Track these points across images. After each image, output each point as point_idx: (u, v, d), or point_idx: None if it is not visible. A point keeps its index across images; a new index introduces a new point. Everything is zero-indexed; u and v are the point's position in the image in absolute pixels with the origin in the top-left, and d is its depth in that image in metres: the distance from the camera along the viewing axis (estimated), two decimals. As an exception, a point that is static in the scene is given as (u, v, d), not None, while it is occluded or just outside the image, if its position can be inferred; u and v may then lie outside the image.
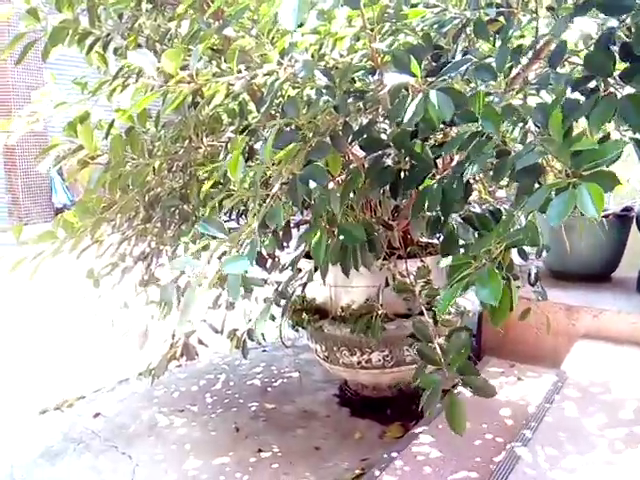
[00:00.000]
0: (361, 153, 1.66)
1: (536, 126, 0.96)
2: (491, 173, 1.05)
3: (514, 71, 1.05)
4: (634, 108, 0.96)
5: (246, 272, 1.11)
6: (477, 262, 0.94)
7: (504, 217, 1.04)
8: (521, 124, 1.05)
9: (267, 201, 1.14)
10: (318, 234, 1.27)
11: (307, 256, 2.11)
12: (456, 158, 1.15)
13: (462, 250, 1.31)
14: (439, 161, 1.29)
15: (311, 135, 1.22)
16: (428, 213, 1.28)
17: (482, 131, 1.01)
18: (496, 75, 1.04)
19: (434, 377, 1.51)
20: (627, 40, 1.05)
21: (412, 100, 1.03)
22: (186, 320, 1.04)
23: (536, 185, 0.97)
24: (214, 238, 1.12)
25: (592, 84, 1.08)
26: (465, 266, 0.94)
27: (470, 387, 1.51)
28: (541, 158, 0.90)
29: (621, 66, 1.06)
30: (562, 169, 0.86)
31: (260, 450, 2.08)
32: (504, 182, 1.19)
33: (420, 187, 1.21)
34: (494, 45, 1.32)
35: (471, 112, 1.01)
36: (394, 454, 1.81)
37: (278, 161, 1.17)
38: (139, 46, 1.87)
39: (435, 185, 1.14)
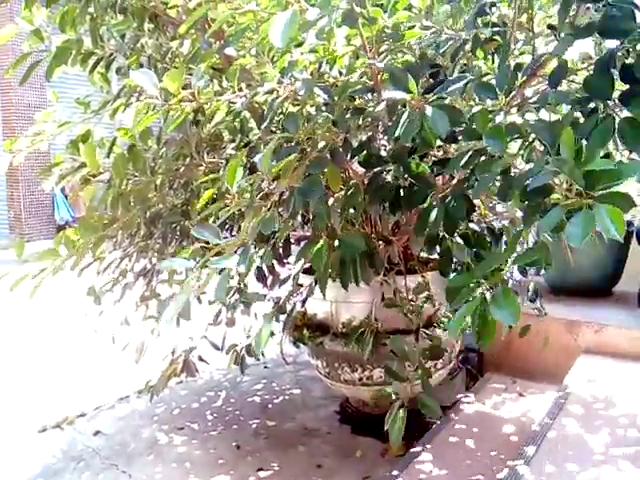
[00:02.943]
0: (361, 170, 1.67)
1: (542, 144, 0.97)
2: (497, 192, 1.05)
3: (514, 92, 1.07)
4: (632, 132, 0.97)
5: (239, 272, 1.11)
6: (489, 282, 0.93)
7: (512, 236, 1.05)
8: (525, 142, 1.06)
9: (263, 210, 1.15)
10: (318, 245, 1.28)
11: (306, 272, 2.12)
12: (456, 175, 1.16)
13: (458, 268, 1.32)
14: (439, 178, 1.30)
15: (310, 150, 1.23)
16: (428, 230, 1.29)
17: (484, 149, 1.02)
18: (497, 93, 1.05)
19: (388, 394, 1.54)
20: (627, 62, 1.07)
21: (408, 116, 1.04)
22: (169, 319, 1.04)
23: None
24: (208, 244, 1.12)
25: (592, 104, 1.10)
26: (473, 286, 0.94)
27: (420, 404, 1.55)
28: (552, 178, 0.90)
29: (621, 87, 1.08)
30: (573, 189, 0.87)
31: (261, 468, 2.06)
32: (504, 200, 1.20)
33: (421, 204, 1.22)
34: (492, 63, 1.33)
35: (474, 130, 1.02)
36: (395, 472, 1.80)
37: (277, 175, 1.18)
38: (141, 65, 1.90)
39: (438, 205, 1.15)
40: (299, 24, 0.97)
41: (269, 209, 1.15)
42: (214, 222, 1.42)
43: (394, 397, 1.47)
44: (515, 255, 0.97)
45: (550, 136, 0.93)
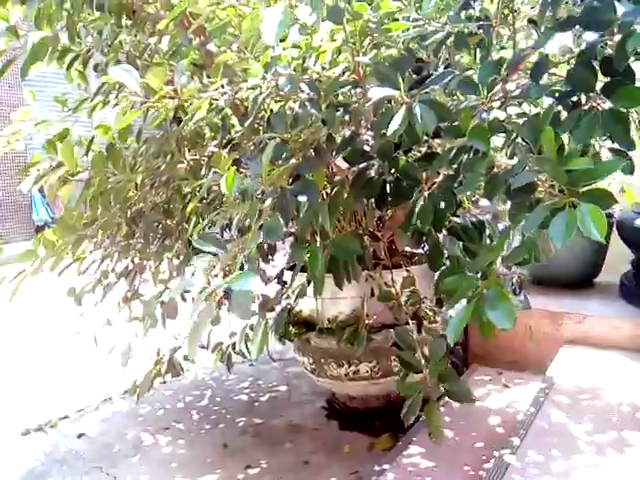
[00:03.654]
0: (344, 166, 1.67)
1: (524, 141, 0.97)
2: (483, 190, 1.05)
3: (496, 87, 1.07)
4: (616, 124, 0.98)
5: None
6: (485, 284, 0.93)
7: (501, 234, 1.05)
8: (509, 138, 1.06)
9: (262, 216, 1.13)
10: (313, 251, 1.26)
11: (291, 268, 2.11)
12: (442, 171, 1.16)
13: (448, 262, 1.32)
14: (424, 173, 1.30)
15: (298, 149, 1.22)
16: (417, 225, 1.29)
17: (469, 145, 1.02)
18: (479, 89, 1.05)
19: (415, 385, 1.53)
20: (607, 55, 1.07)
21: (396, 113, 1.03)
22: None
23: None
24: (208, 254, 1.10)
25: (574, 97, 1.10)
26: (466, 285, 0.94)
27: (450, 395, 1.53)
28: (535, 177, 0.91)
29: (603, 80, 1.08)
30: (556, 186, 0.88)
31: (249, 466, 2.05)
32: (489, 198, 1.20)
33: (408, 200, 1.21)
34: (475, 57, 1.34)
35: (457, 127, 1.02)
36: (385, 466, 1.80)
37: (269, 175, 1.17)
38: (119, 62, 1.86)
39: (425, 201, 1.14)
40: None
41: (270, 215, 1.14)
42: (198, 221, 1.40)
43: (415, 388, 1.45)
44: (504, 253, 0.97)
45: (532, 133, 0.93)
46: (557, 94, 1.07)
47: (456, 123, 1.05)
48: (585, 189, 0.85)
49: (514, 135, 1.01)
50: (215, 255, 1.14)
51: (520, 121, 1.04)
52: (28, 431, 2.42)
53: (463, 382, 1.50)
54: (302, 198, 1.20)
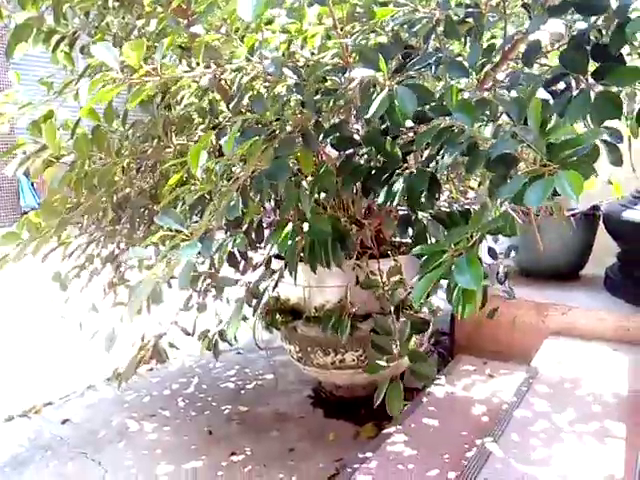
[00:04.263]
0: (334, 153, 1.66)
1: (510, 119, 0.96)
2: (464, 165, 1.05)
3: (485, 69, 1.06)
4: (609, 104, 0.98)
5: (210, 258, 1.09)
6: (456, 249, 0.93)
7: (479, 209, 1.05)
8: (492, 119, 1.06)
9: (230, 194, 1.12)
10: (286, 230, 1.26)
11: (279, 256, 2.10)
12: (425, 154, 1.15)
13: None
14: (410, 158, 1.29)
15: (278, 132, 1.21)
16: (400, 212, 1.28)
17: (453, 126, 1.02)
18: (468, 72, 1.04)
19: (379, 366, 1.55)
20: (598, 41, 1.07)
21: (377, 95, 1.03)
22: (135, 308, 1.02)
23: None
24: (172, 231, 1.10)
25: (561, 85, 1.10)
26: (440, 254, 0.94)
27: (414, 374, 1.55)
28: (516, 148, 0.90)
29: (592, 66, 1.08)
30: (537, 159, 0.87)
31: (233, 453, 2.06)
32: (476, 177, 1.20)
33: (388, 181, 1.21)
34: (465, 45, 1.33)
35: (443, 106, 1.01)
36: (368, 454, 1.81)
37: (244, 157, 1.16)
38: (106, 44, 1.83)
39: (400, 179, 1.14)
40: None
41: (236, 193, 1.13)
42: (182, 206, 1.39)
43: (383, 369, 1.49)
44: (475, 225, 0.97)
45: (518, 109, 0.93)
46: (547, 79, 1.07)
47: (443, 103, 1.04)
48: (565, 160, 0.85)
49: (499, 112, 1.01)
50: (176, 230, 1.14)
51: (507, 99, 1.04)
52: (11, 417, 2.41)
53: (429, 364, 1.53)
54: (276, 180, 1.19)
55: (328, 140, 1.47)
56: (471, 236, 0.95)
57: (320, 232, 1.31)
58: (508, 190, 0.88)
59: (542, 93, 1.04)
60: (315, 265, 1.43)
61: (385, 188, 1.17)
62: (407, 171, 1.16)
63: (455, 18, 1.30)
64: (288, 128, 1.22)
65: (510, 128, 0.91)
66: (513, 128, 0.90)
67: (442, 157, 1.03)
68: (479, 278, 0.88)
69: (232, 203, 1.09)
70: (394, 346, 1.60)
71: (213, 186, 1.13)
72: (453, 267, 0.90)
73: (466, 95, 1.01)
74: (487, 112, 1.02)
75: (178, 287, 1.06)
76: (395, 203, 1.16)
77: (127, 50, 0.99)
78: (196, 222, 1.67)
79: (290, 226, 1.29)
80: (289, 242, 1.25)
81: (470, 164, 1.02)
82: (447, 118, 1.03)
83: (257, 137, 1.11)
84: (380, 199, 1.16)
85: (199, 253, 1.05)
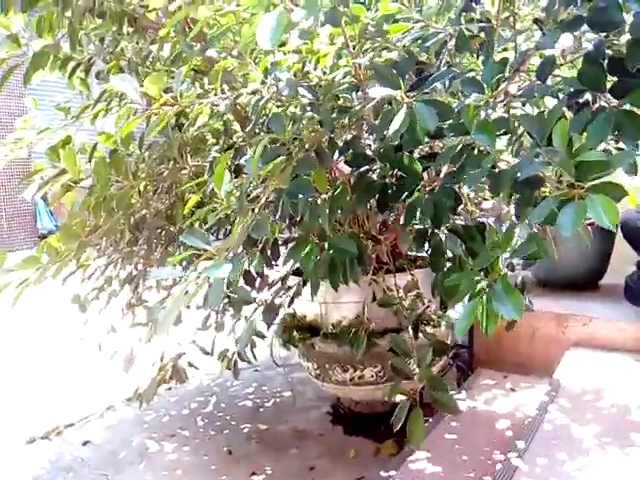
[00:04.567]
0: (347, 169, 1.66)
1: (531, 137, 0.96)
2: (488, 186, 1.04)
3: (501, 86, 1.07)
4: (631, 124, 0.97)
5: (230, 278, 1.09)
6: (489, 277, 0.93)
7: (506, 230, 1.04)
8: (513, 136, 1.05)
9: (253, 213, 1.13)
10: (308, 247, 1.26)
11: (295, 273, 2.10)
12: (444, 169, 1.16)
13: (449, 263, 1.32)
14: (425, 173, 1.29)
15: (296, 150, 1.22)
16: (416, 226, 1.28)
17: (472, 144, 1.02)
18: (483, 88, 1.04)
19: (396, 390, 1.53)
20: (614, 56, 1.07)
21: (396, 113, 1.03)
22: (166, 329, 1.02)
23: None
24: (198, 250, 1.10)
25: (581, 98, 1.09)
26: (474, 282, 0.93)
27: (436, 403, 1.53)
28: (543, 170, 0.89)
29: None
30: (564, 181, 0.87)
31: (254, 473, 2.04)
32: (495, 194, 1.20)
33: (408, 200, 1.21)
34: (477, 59, 1.33)
35: (461, 124, 1.01)
36: (391, 472, 1.79)
37: (264, 177, 1.17)
38: (121, 69, 1.87)
39: (426, 197, 1.14)
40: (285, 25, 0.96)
41: (258, 212, 1.13)
42: (201, 226, 1.40)
43: (404, 394, 1.46)
44: (510, 248, 0.96)
45: (540, 129, 0.93)
46: (565, 94, 1.07)
47: (459, 121, 1.04)
48: (594, 182, 0.84)
49: (519, 132, 1.00)
50: (203, 250, 1.14)
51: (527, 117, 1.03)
52: (33, 439, 2.42)
53: (450, 395, 1.51)
54: (297, 199, 1.20)
55: (341, 156, 1.48)
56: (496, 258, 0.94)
57: (343, 251, 1.31)
58: (538, 214, 0.87)
59: (563, 105, 1.03)
60: (336, 282, 1.43)
61: (406, 206, 1.17)
62: (427, 188, 1.16)
63: (467, 33, 1.32)
64: (305, 147, 1.23)
65: (533, 148, 0.91)
66: (537, 149, 0.90)
67: (460, 174, 1.03)
68: (520, 307, 0.87)
69: (257, 222, 1.09)
70: (414, 367, 1.57)
71: (238, 206, 1.14)
72: (491, 296, 0.90)
73: (483, 114, 1.01)
74: (505, 130, 1.02)
75: (206, 305, 1.05)
76: (419, 221, 1.16)
77: (148, 85, 1.02)
78: (214, 240, 1.68)
79: (310, 244, 1.29)
80: (312, 261, 1.25)
81: (495, 186, 1.01)
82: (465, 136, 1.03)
83: (279, 157, 1.12)
84: (403, 220, 1.16)
85: (230, 272, 1.05)
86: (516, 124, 1.05)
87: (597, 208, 0.79)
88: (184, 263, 1.90)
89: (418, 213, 1.16)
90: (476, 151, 1.01)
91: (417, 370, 1.63)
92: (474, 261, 0.99)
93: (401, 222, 1.75)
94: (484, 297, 0.92)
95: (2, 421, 2.63)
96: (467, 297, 0.96)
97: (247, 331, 1.44)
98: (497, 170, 0.99)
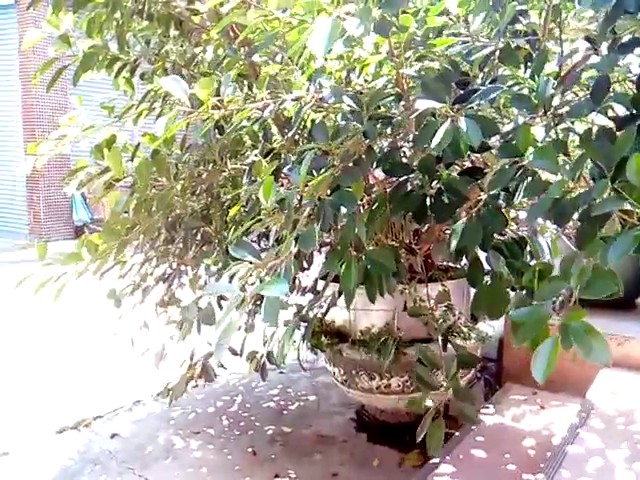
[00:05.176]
0: (381, 176, 1.66)
1: (597, 166, 0.93)
2: (552, 216, 1.01)
3: (555, 101, 1.04)
4: None
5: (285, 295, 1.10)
6: (564, 320, 0.90)
7: (564, 262, 1.00)
8: (572, 159, 1.02)
9: (297, 226, 1.14)
10: (347, 262, 1.26)
11: (324, 278, 2.10)
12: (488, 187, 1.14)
13: (488, 278, 1.30)
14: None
15: (339, 161, 1.22)
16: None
17: (524, 166, 1.00)
18: (533, 104, 1.03)
19: (418, 401, 1.52)
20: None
21: (440, 126, 1.02)
22: (224, 348, 1.03)
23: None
24: (244, 262, 1.11)
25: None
26: (542, 320, 0.91)
27: (462, 414, 1.51)
28: (621, 206, 0.87)
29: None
30: (634, 214, 0.84)
31: (277, 475, 2.05)
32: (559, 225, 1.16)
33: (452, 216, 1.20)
34: (525, 71, 1.31)
35: (514, 146, 0.99)
36: (415, 483, 1.78)
37: (306, 186, 1.18)
38: (165, 71, 1.91)
39: (474, 218, 1.12)
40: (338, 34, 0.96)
41: (304, 224, 1.14)
42: (237, 231, 1.41)
43: (427, 406, 1.45)
44: (576, 282, 0.92)
45: (606, 157, 0.90)
46: (616, 117, 1.04)
47: (508, 140, 1.02)
48: None
49: (582, 158, 0.97)
50: (252, 263, 1.15)
51: (575, 138, 1.01)
52: (63, 429, 2.48)
53: (474, 407, 1.50)
54: (342, 210, 1.20)
55: (379, 165, 1.47)
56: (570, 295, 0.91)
57: (382, 267, 1.31)
58: (617, 253, 0.85)
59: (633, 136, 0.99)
60: (373, 294, 1.43)
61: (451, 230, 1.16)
62: (474, 208, 1.15)
63: (512, 45, 1.30)
64: (349, 157, 1.23)
65: (606, 182, 0.87)
66: (606, 181, 0.87)
67: (507, 193, 1.02)
68: (607, 351, 0.85)
69: (304, 235, 1.10)
70: (441, 378, 1.56)
71: (285, 220, 1.15)
72: (571, 339, 0.87)
73: (538, 134, 0.99)
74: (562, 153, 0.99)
75: (264, 323, 1.05)
76: (468, 242, 1.15)
77: (199, 89, 1.04)
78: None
79: (349, 258, 1.29)
80: (353, 274, 1.25)
81: (558, 216, 0.98)
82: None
83: (326, 168, 1.13)
84: (453, 244, 1.14)
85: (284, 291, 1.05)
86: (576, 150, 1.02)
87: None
88: (219, 264, 1.92)
89: (461, 236, 1.14)
90: (531, 174, 0.98)
91: (444, 381, 1.62)
92: (536, 294, 0.97)
93: (435, 235, 1.74)
94: (557, 338, 0.89)
95: (34, 410, 2.70)
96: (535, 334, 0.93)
97: (286, 337, 1.45)
98: (560, 199, 0.95)
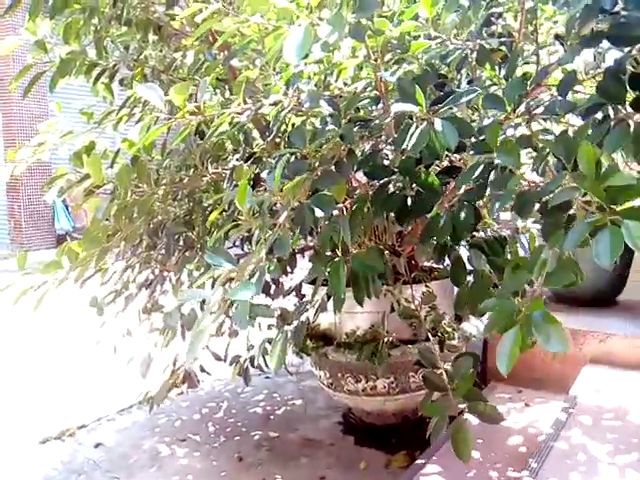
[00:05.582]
0: (364, 179, 1.67)
1: (557, 159, 0.95)
2: (513, 208, 1.03)
3: (522, 100, 1.06)
4: None
5: (252, 299, 1.10)
6: (529, 308, 0.91)
7: (534, 252, 1.02)
8: (538, 155, 1.05)
9: (274, 229, 1.14)
10: (335, 266, 1.26)
11: (312, 283, 2.10)
12: (464, 185, 1.16)
13: (471, 277, 1.31)
14: (443, 187, 1.29)
15: (317, 164, 1.23)
16: (435, 241, 1.28)
17: (494, 162, 1.01)
18: (505, 105, 1.04)
19: (440, 405, 1.50)
20: (635, 69, 1.06)
21: (416, 128, 1.04)
22: (197, 350, 1.03)
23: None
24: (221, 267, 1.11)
25: (601, 113, 1.09)
26: (511, 311, 0.92)
27: (477, 414, 1.50)
28: (575, 196, 0.88)
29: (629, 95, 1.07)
30: (593, 203, 0.86)
31: (264, 480, 2.04)
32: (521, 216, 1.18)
33: (428, 213, 1.21)
34: (499, 73, 1.33)
35: (484, 143, 1.01)
36: (401, 484, 1.78)
37: (283, 189, 1.18)
38: (145, 76, 1.90)
39: (445, 214, 1.14)
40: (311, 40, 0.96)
41: (279, 228, 1.14)
42: (220, 237, 1.41)
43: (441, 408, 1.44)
44: (545, 274, 0.94)
45: (565, 151, 0.92)
46: (584, 109, 1.06)
47: (481, 138, 1.04)
48: (626, 207, 0.83)
49: (545, 152, 0.99)
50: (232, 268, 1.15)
51: (549, 137, 1.03)
52: (46, 439, 2.44)
53: (492, 405, 1.46)
54: (318, 213, 1.20)
55: (359, 168, 1.48)
56: (530, 282, 0.93)
57: (370, 267, 1.31)
58: (572, 241, 0.87)
59: (589, 126, 1.02)
60: (361, 297, 1.43)
61: (425, 224, 1.17)
62: (446, 204, 1.16)
63: (488, 47, 1.31)
64: (326, 160, 1.23)
65: (560, 171, 0.90)
66: (564, 172, 0.89)
67: (489, 195, 1.03)
68: (566, 340, 0.86)
69: (279, 240, 1.10)
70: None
71: (259, 224, 1.14)
72: (532, 328, 0.88)
73: (509, 132, 1.01)
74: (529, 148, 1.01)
75: (237, 327, 1.06)
76: (437, 237, 1.16)
77: (173, 94, 1.03)
78: (230, 247, 1.69)
79: (337, 260, 1.29)
80: (342, 278, 1.25)
81: (521, 210, 1.00)
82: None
83: (302, 172, 1.13)
84: (422, 235, 1.15)
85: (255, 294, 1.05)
86: (540, 144, 1.04)
87: (633, 236, 0.79)
88: (201, 269, 1.92)
89: (436, 230, 1.15)
90: (499, 170, 1.00)
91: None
92: (503, 285, 0.98)
93: (418, 236, 1.74)
94: (518, 327, 0.90)
95: (17, 420, 2.66)
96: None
97: (281, 343, 1.44)
98: (519, 189, 0.98)
